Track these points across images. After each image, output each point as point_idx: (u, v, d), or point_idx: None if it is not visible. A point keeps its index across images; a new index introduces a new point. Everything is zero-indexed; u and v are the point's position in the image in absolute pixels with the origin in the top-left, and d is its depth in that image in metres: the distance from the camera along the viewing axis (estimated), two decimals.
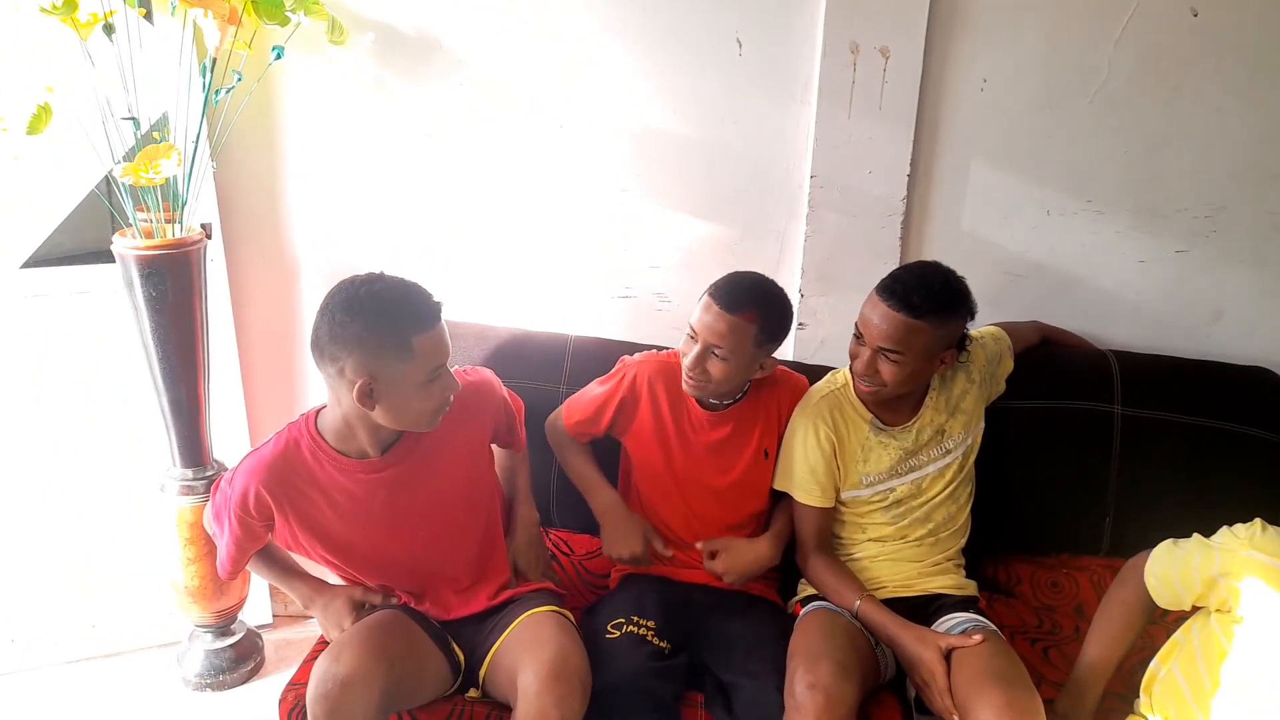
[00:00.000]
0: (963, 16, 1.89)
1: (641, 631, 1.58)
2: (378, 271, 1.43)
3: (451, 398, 1.47)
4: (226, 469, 2.08)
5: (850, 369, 1.70)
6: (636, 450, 1.80)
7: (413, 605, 1.62)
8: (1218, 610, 1.33)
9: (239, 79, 1.85)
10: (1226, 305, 2.04)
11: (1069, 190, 1.98)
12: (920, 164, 1.97)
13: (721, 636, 1.64)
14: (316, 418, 1.52)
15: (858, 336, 1.65)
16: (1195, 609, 1.38)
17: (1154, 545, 1.44)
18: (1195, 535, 1.39)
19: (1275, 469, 1.87)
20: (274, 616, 2.35)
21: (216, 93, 1.83)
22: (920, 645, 1.54)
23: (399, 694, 1.43)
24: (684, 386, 1.69)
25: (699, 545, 1.75)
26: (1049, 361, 1.94)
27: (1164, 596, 1.40)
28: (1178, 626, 1.43)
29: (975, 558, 1.81)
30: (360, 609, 1.56)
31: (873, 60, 1.89)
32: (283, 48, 1.85)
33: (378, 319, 1.37)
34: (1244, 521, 1.33)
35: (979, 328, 1.85)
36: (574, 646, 1.47)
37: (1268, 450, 1.87)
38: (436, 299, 1.43)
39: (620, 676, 1.48)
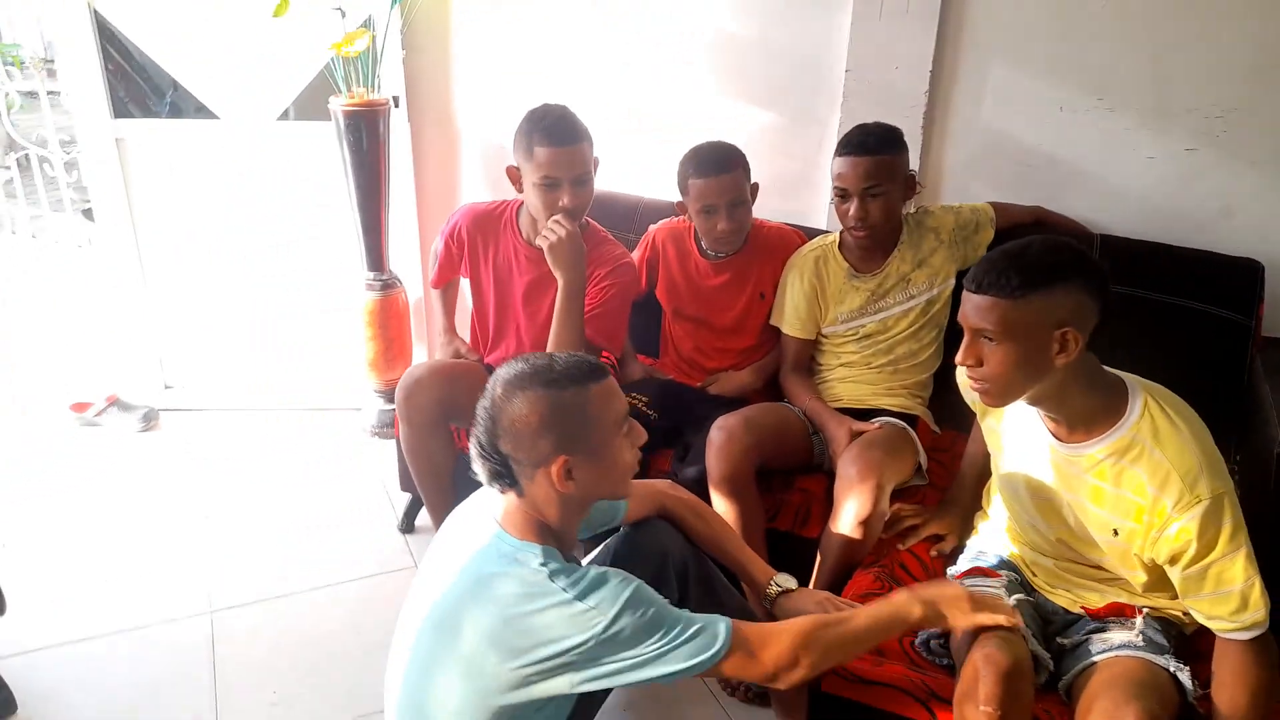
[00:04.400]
0: None
1: (635, 402, 2.13)
2: (565, 105, 2.00)
3: (561, 207, 1.96)
4: (399, 277, 2.87)
5: (845, 225, 2.07)
6: (662, 296, 2.34)
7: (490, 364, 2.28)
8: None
9: None
10: (1236, 203, 2.16)
11: (1081, 88, 2.19)
12: (944, 62, 2.28)
13: (700, 413, 2.14)
14: (523, 204, 2.14)
15: (842, 194, 2.02)
16: None
17: None
18: None
19: (1211, 340, 2.05)
20: None
21: None
22: (834, 424, 2.00)
23: (455, 407, 2.09)
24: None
25: (699, 385, 2.28)
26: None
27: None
28: None
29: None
30: (457, 355, 2.29)
31: None
32: None
33: (525, 124, 2.00)
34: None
35: (971, 202, 2.18)
36: None
37: (1214, 324, 2.04)
38: (579, 136, 1.94)
39: None
